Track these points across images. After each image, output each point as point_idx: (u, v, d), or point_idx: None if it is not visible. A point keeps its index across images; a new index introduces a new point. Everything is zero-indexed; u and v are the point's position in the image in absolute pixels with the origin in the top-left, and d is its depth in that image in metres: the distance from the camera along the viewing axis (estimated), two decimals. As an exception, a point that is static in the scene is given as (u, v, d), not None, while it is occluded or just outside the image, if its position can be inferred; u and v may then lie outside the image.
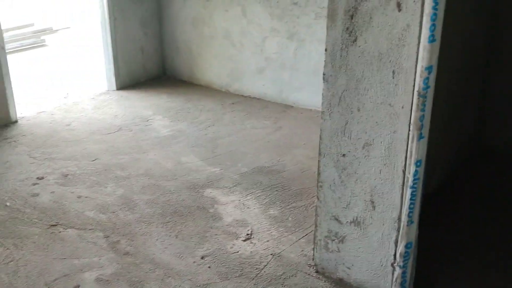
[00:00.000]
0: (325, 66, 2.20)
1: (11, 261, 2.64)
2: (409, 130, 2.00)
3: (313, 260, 2.59)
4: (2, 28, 4.18)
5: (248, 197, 3.24)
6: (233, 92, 5.11)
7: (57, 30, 7.91)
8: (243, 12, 4.74)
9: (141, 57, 5.32)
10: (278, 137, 4.12)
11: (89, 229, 2.91)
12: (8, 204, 3.15)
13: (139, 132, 4.24)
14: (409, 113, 1.98)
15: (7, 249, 2.73)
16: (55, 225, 2.95)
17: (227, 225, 2.95)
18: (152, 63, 5.46)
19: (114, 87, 5.16)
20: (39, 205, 3.14)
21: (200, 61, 5.26)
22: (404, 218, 2.11)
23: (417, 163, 2.00)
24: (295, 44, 4.52)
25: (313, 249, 2.55)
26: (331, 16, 2.11)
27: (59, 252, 2.71)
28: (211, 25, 5.03)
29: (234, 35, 4.91)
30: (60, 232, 2.88)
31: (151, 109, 4.73)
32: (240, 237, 2.84)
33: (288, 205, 3.15)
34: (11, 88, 4.31)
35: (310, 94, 4.57)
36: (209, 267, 2.60)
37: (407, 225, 2.11)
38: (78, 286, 2.47)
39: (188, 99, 4.97)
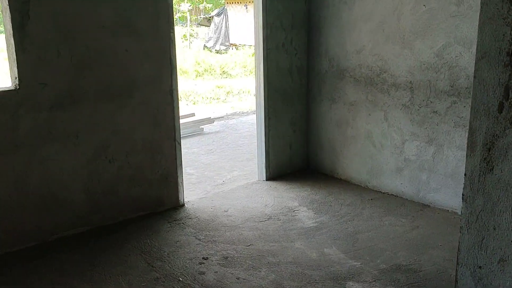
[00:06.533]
0: (464, 188, 2.55)
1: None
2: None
3: None
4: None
5: (387, 293, 3.55)
6: (371, 188, 5.50)
7: (214, 120, 8.97)
8: (385, 117, 5.20)
9: (288, 152, 5.96)
10: (415, 236, 4.39)
11: (247, 308, 3.40)
12: (180, 279, 3.78)
13: (287, 222, 4.76)
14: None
15: (182, 318, 3.31)
16: (219, 301, 3.49)
17: (367, 317, 3.29)
18: (298, 157, 6.08)
19: (264, 178, 5.81)
20: (206, 283, 3.72)
21: (341, 158, 5.76)
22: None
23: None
24: (434, 149, 4.84)
25: None
26: (471, 147, 2.48)
27: (223, 326, 3.23)
28: (354, 126, 5.55)
29: (375, 136, 5.35)
30: (223, 308, 3.42)
31: (296, 200, 5.26)
32: (379, 331, 3.15)
33: (425, 304, 3.41)
34: (182, 176, 5.11)
35: (447, 196, 4.81)
36: None
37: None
38: None
39: (329, 193, 5.44)
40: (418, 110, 4.90)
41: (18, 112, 4.01)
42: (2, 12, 4.01)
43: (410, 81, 4.91)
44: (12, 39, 3.91)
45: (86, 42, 4.27)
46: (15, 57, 3.95)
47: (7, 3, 3.83)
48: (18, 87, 3.99)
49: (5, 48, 4.14)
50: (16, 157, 4.07)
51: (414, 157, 5.04)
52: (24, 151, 4.09)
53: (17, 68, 3.96)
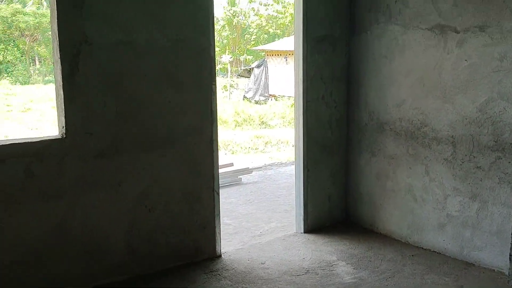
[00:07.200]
0: (511, 248, 2.46)
1: None
2: None
3: None
4: (219, 177, 5.09)
5: None
6: (412, 243, 5.35)
7: (252, 170, 9.01)
8: (426, 171, 5.11)
9: (327, 204, 5.90)
10: (459, 296, 4.23)
11: None
12: (215, 332, 3.72)
13: (325, 276, 4.65)
14: None
15: None
16: None
17: None
18: (337, 209, 6.01)
19: (302, 230, 5.75)
20: (241, 337, 3.65)
21: (381, 212, 5.66)
22: None
23: None
24: (478, 205, 4.70)
25: None
26: (517, 206, 2.41)
27: None
28: (394, 180, 5.47)
29: (416, 190, 5.26)
30: None
31: (335, 254, 5.15)
32: None
33: None
34: (220, 226, 5.11)
35: (492, 254, 4.62)
36: None
37: None
38: None
39: (369, 247, 5.32)
40: (461, 165, 4.80)
41: (64, 160, 4.13)
42: (53, 64, 4.21)
43: (452, 136, 4.84)
44: (62, 90, 4.08)
45: (130, 93, 4.41)
46: (63, 107, 4.10)
47: (59, 56, 4.02)
48: (64, 136, 4.13)
49: (54, 98, 4.31)
50: (59, 204, 4.16)
51: (457, 213, 4.90)
52: (67, 198, 4.19)
53: (65, 117, 4.11)
